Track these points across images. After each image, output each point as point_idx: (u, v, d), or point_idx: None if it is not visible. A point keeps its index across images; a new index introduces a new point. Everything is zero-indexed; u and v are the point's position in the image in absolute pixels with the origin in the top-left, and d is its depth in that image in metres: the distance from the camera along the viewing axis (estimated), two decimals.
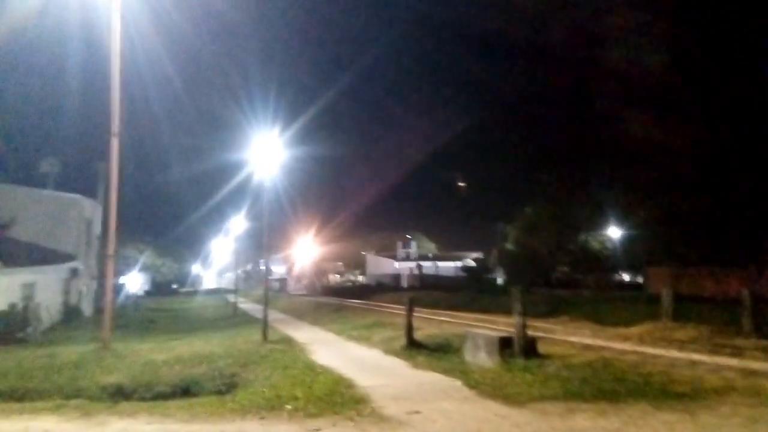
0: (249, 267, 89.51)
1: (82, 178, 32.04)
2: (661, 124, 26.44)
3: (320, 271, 62.90)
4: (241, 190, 33.45)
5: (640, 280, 44.63)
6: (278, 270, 73.47)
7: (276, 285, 66.04)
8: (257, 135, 15.91)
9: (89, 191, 30.35)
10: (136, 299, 48.20)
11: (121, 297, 36.49)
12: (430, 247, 67.86)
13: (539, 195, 47.51)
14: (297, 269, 63.86)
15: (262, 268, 53.99)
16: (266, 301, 15.94)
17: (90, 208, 29.65)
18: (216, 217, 53.38)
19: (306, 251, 61.04)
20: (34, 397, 10.46)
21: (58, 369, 11.99)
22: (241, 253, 54.66)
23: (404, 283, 48.99)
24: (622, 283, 46.80)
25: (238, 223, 37.43)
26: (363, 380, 9.21)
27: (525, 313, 10.34)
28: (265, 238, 16.15)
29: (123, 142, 14.66)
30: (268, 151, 15.57)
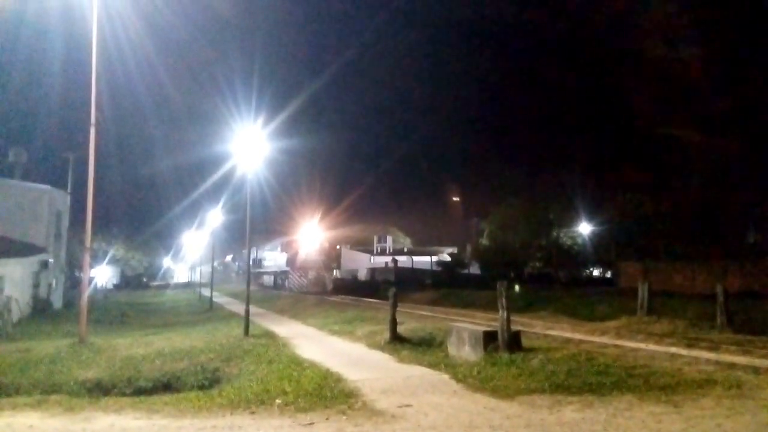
0: (228, 258, 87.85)
1: (50, 169, 31.18)
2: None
3: (328, 261, 50.31)
4: (219, 183, 33.01)
5: (609, 275, 45.72)
6: (273, 258, 59.96)
7: (268, 281, 55.70)
8: (240, 128, 15.74)
9: (58, 182, 29.55)
10: (106, 293, 47.22)
11: (91, 290, 35.65)
12: (405, 242, 68.06)
13: (514, 192, 48.24)
14: (301, 259, 48.81)
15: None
16: (248, 296, 15.80)
17: (60, 199, 28.89)
18: (189, 210, 52.63)
19: (313, 237, 49.13)
20: (11, 392, 10.24)
21: (34, 364, 11.74)
22: (218, 246, 50.65)
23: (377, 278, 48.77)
24: (592, 278, 47.84)
25: (214, 216, 36.88)
26: (350, 374, 9.23)
27: (509, 308, 10.47)
28: (247, 232, 15.99)
29: (98, 133, 14.35)
30: (250, 143, 15.39)
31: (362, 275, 51.53)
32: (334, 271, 50.41)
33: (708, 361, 8.87)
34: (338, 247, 59.46)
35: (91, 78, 13.76)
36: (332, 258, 50.38)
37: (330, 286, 43.73)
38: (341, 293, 36.57)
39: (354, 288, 40.74)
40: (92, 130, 13.83)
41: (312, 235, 48.00)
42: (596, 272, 50.44)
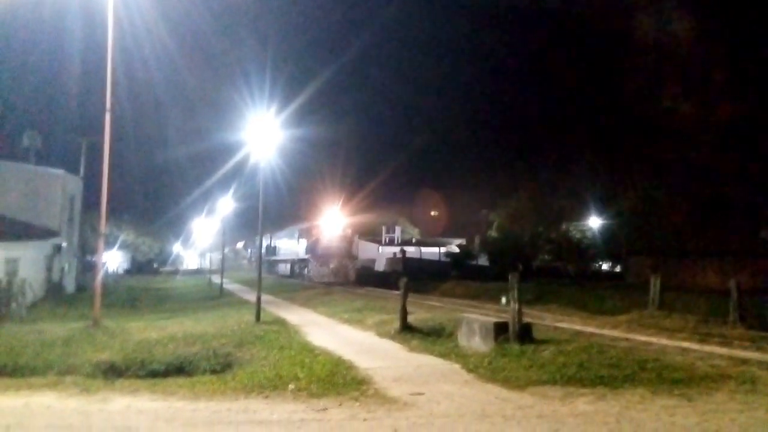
0: (240, 245, 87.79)
1: (64, 154, 31.37)
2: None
3: (350, 249, 44.16)
4: (231, 171, 33.10)
5: (618, 269, 45.57)
6: (289, 246, 53.29)
7: (284, 269, 51.47)
8: (253, 115, 15.75)
9: (71, 167, 29.76)
10: (117, 278, 47.68)
11: (102, 275, 35.98)
12: (414, 233, 68.08)
13: (524, 184, 48.09)
14: (322, 246, 42.47)
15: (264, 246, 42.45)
16: (260, 283, 15.91)
17: (73, 184, 29.11)
18: (201, 197, 52.70)
19: (334, 223, 43.82)
20: (26, 373, 10.36)
21: (48, 346, 11.88)
22: (229, 233, 49.09)
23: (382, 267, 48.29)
24: (600, 272, 47.69)
25: (225, 203, 37.01)
26: (362, 362, 9.29)
27: (520, 300, 10.48)
28: (260, 219, 16.05)
29: (113, 119, 14.43)
30: (264, 129, 15.42)
31: (379, 266, 50.83)
32: (356, 260, 45.95)
33: (721, 357, 8.85)
34: (356, 236, 56.05)
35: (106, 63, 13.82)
36: (352, 247, 45.09)
37: (353, 277, 40.75)
38: (367, 284, 34.21)
39: (375, 279, 38.47)
40: (107, 116, 13.90)
41: (333, 221, 43.43)
42: (605, 266, 50.25)
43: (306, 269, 44.15)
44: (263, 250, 26.61)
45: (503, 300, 14.00)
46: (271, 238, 55.16)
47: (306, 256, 44.39)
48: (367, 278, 39.27)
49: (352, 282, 37.83)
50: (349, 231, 45.52)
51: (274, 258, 55.94)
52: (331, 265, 41.43)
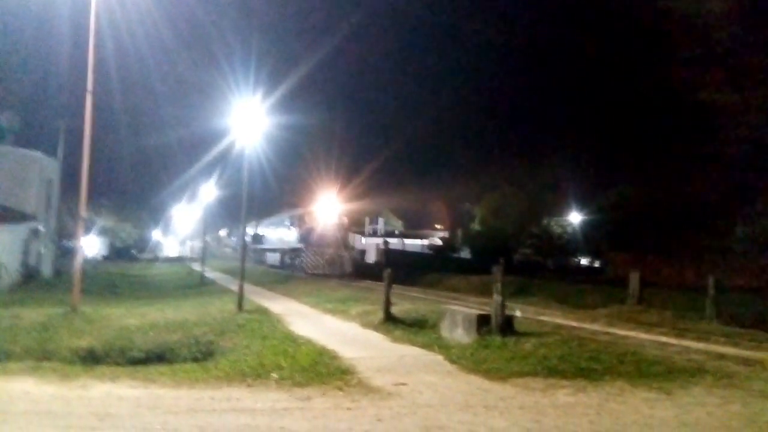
0: (224, 233, 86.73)
1: (44, 137, 30.60)
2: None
3: (346, 239, 40.87)
4: (214, 157, 32.64)
5: (597, 264, 46.24)
6: (279, 235, 49.15)
7: (272, 259, 48.09)
8: (238, 100, 15.57)
9: (51, 150, 29.12)
10: (95, 264, 46.96)
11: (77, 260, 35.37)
12: (397, 225, 68.19)
13: (507, 178, 48.47)
14: (317, 235, 39.19)
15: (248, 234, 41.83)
16: (243, 271, 15.81)
17: (51, 167, 28.56)
18: (183, 183, 52.02)
19: (331, 211, 40.44)
20: (2, 358, 10.19)
21: (25, 331, 11.69)
22: (211, 220, 47.13)
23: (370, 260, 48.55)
24: (580, 267, 48.34)
25: (208, 190, 36.56)
26: (345, 352, 9.30)
27: (504, 293, 10.55)
28: (244, 206, 15.92)
29: (94, 102, 14.15)
30: (249, 115, 15.25)
31: (369, 257, 50.25)
32: (353, 250, 42.63)
33: (698, 351, 9.03)
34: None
35: (88, 47, 13.53)
36: (347, 236, 41.65)
37: (349, 268, 37.49)
38: (366, 278, 30.16)
39: (364, 270, 36.65)
40: (88, 97, 13.64)
41: (328, 208, 39.94)
42: (584, 261, 50.94)
43: (297, 259, 40.79)
44: (249, 239, 25.40)
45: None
46: (257, 226, 53.56)
47: (298, 245, 41.30)
48: (358, 269, 37.63)
49: (349, 274, 35.21)
50: (345, 219, 42.30)
51: (261, 247, 53.32)
52: (326, 256, 38.56)
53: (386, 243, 49.07)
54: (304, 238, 40.39)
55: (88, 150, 13.85)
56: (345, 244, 40.15)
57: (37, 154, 26.71)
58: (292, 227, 45.12)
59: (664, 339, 10.28)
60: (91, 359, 10.56)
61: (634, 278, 14.81)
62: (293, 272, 36.75)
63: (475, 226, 49.20)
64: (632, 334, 11.04)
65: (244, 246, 18.08)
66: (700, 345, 9.73)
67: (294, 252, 42.11)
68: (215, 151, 29.24)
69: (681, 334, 10.95)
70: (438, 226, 65.37)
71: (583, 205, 43.73)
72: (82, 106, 13.85)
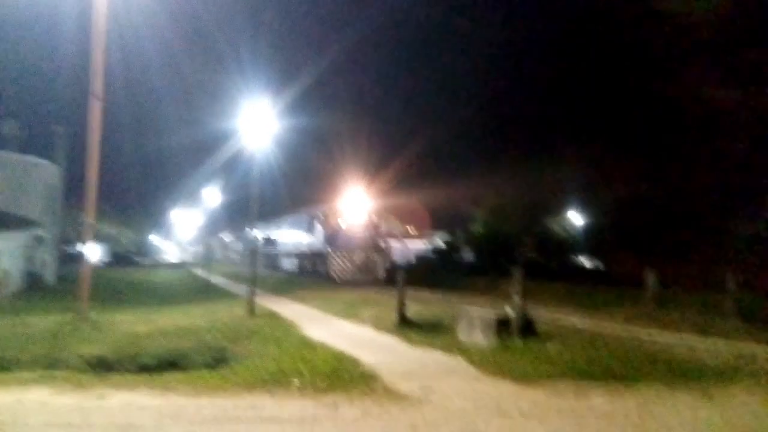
0: (230, 238, 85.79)
1: (46, 144, 30.34)
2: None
3: (377, 240, 35.66)
4: (219, 162, 32.41)
5: (599, 265, 45.90)
6: (295, 238, 43.76)
7: (289, 264, 42.92)
8: (247, 102, 15.34)
9: (50, 156, 28.86)
10: (98, 270, 46.61)
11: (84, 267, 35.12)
12: (397, 225, 67.85)
13: (508, 177, 48.16)
14: (344, 236, 33.89)
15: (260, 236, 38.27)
16: (254, 276, 15.57)
17: (53, 173, 28.33)
18: (187, 188, 51.76)
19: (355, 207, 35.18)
20: (12, 367, 9.94)
21: (34, 339, 11.45)
22: (216, 225, 45.95)
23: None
24: (583, 269, 48.03)
25: (213, 195, 36.21)
26: (364, 357, 9.06)
27: (524, 294, 10.35)
28: (253, 210, 15.68)
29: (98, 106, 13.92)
30: (259, 116, 15.03)
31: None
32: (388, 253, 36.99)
33: (727, 351, 8.81)
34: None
35: (91, 54, 13.31)
36: (380, 236, 35.99)
37: (382, 274, 32.80)
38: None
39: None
40: (95, 102, 13.40)
41: (357, 205, 34.73)
42: (586, 262, 50.63)
43: (321, 265, 35.37)
44: (261, 243, 23.84)
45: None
46: (268, 229, 50.84)
47: (321, 249, 35.78)
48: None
49: (383, 281, 30.53)
50: (376, 217, 37.00)
51: (275, 251, 48.15)
52: (356, 260, 33.83)
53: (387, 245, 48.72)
54: (329, 239, 35.25)
55: (95, 156, 13.62)
56: (377, 247, 35.74)
57: (39, 161, 26.51)
58: (312, 227, 39.65)
59: (689, 339, 10.07)
60: (102, 367, 10.31)
61: (652, 277, 14.57)
62: (316, 279, 32.92)
63: (478, 227, 48.94)
64: (656, 334, 10.82)
65: (255, 249, 17.79)
66: (727, 344, 9.51)
67: (316, 257, 36.94)
68: (222, 155, 29.03)
69: (704, 332, 10.73)
70: (438, 228, 65.12)
71: (587, 204, 43.48)
72: (86, 112, 13.61)
